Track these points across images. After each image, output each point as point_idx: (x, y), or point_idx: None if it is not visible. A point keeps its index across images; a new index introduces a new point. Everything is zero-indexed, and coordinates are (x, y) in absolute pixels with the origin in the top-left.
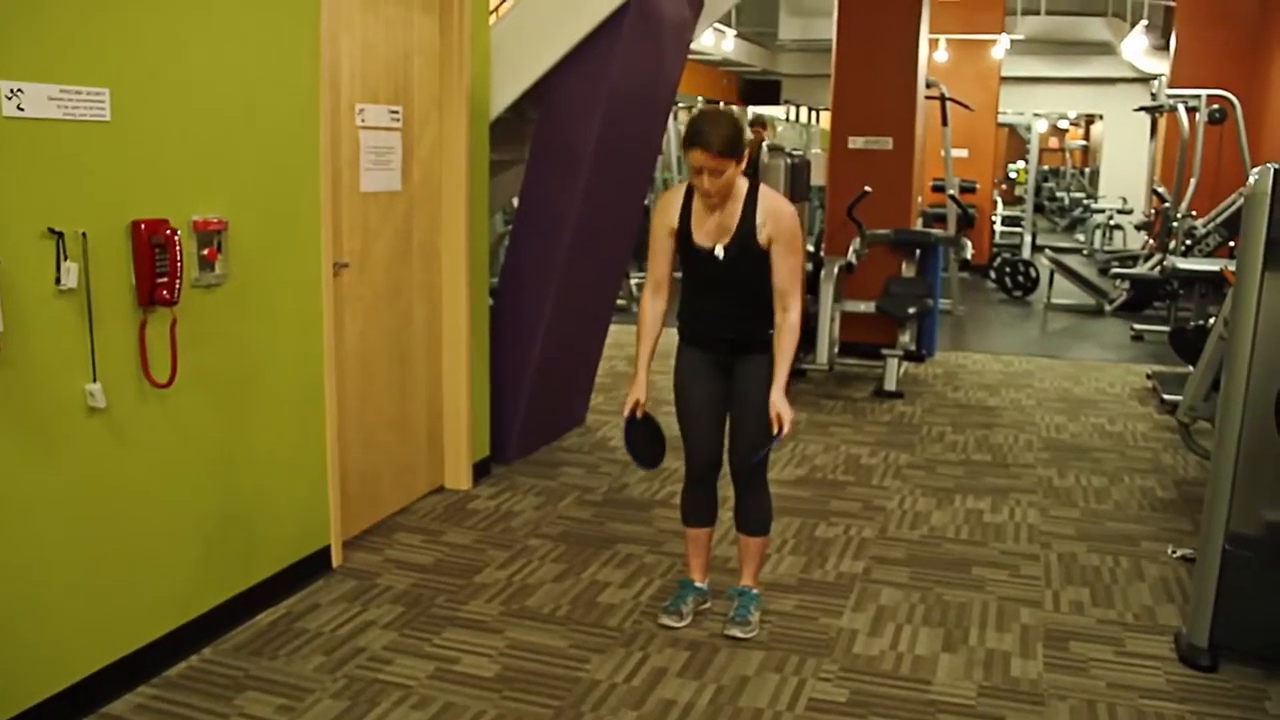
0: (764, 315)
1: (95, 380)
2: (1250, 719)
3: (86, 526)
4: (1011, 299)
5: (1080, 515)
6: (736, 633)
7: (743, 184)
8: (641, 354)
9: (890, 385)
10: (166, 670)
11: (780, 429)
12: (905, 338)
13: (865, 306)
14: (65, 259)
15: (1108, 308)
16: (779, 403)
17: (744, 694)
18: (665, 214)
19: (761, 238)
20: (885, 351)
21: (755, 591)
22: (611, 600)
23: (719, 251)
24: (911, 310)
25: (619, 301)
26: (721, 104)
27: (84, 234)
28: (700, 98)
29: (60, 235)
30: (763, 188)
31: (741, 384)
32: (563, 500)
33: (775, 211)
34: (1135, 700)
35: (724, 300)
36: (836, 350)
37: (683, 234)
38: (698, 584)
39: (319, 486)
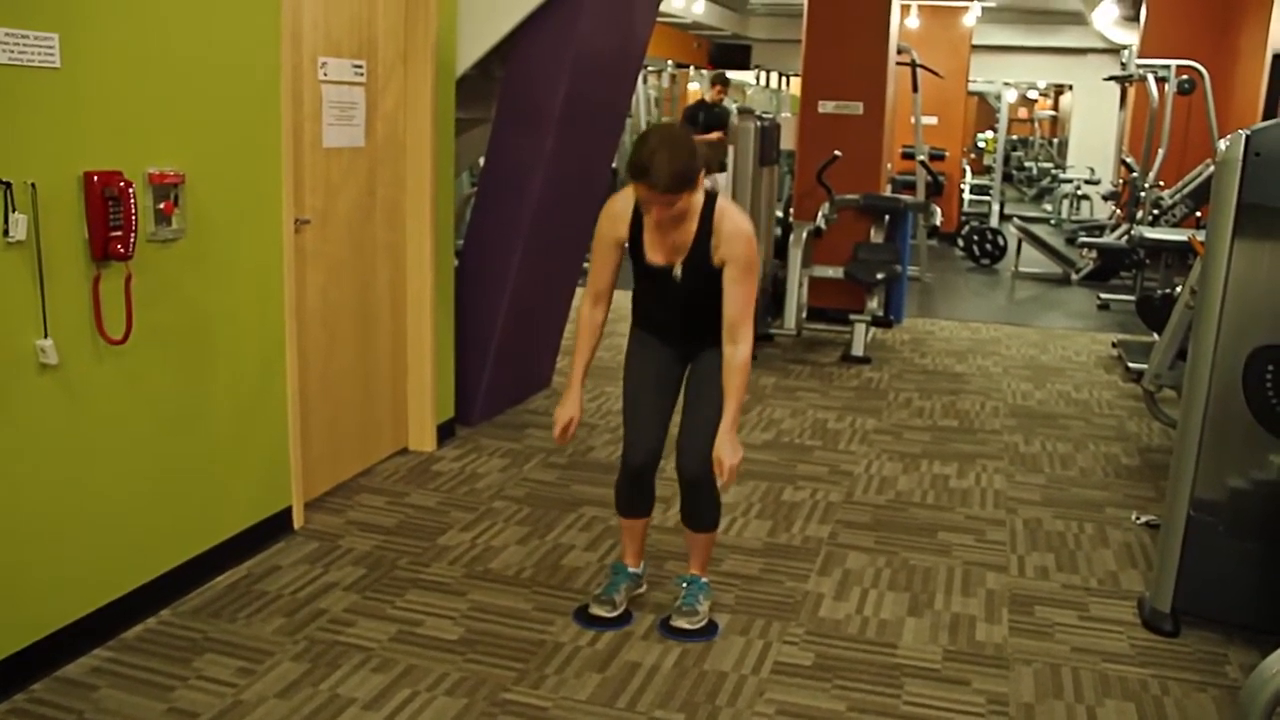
0: (720, 320)
1: (46, 336)
2: (1211, 683)
3: (38, 486)
4: (979, 267)
5: (1046, 481)
6: (683, 624)
7: (699, 199)
8: (576, 367)
9: (858, 351)
10: (123, 633)
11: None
12: (873, 303)
13: (833, 272)
14: (14, 210)
15: (1074, 276)
16: (725, 445)
17: (709, 657)
18: (613, 224)
19: (715, 259)
20: (853, 317)
21: (704, 581)
22: (576, 563)
23: (675, 272)
24: (880, 276)
25: (585, 265)
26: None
27: (33, 185)
28: (670, 61)
29: (8, 186)
30: (720, 205)
31: (700, 363)
32: (528, 463)
33: (731, 235)
34: (1099, 664)
35: (677, 310)
36: (804, 315)
37: (633, 247)
38: (631, 569)
39: (280, 447)
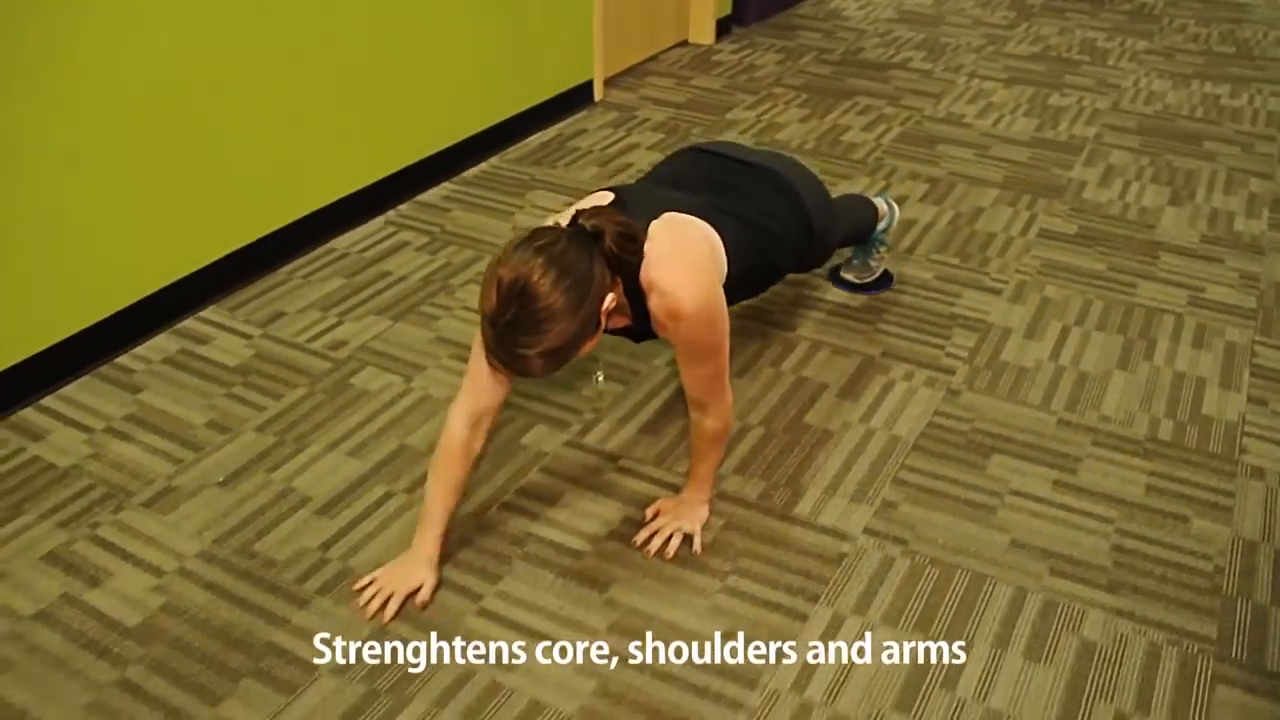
0: None
1: None
2: None
3: (394, 46)
4: None
5: None
6: (851, 276)
7: (610, 298)
8: (428, 519)
9: None
10: (463, 172)
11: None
12: None
13: None
14: None
15: None
16: (691, 516)
17: (980, 219)
18: None
19: (661, 334)
20: None
21: (883, 235)
22: (854, 140)
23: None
24: None
25: None
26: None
27: None
28: None
29: None
30: (646, 274)
31: None
32: (802, 58)
33: (668, 316)
34: None
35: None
36: None
37: None
38: None
39: (584, 22)
